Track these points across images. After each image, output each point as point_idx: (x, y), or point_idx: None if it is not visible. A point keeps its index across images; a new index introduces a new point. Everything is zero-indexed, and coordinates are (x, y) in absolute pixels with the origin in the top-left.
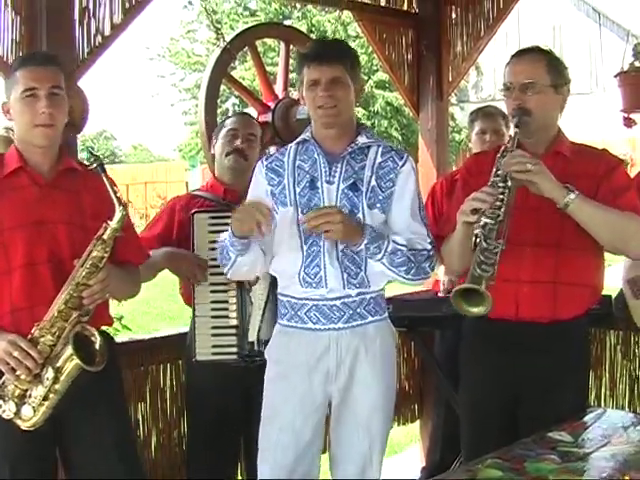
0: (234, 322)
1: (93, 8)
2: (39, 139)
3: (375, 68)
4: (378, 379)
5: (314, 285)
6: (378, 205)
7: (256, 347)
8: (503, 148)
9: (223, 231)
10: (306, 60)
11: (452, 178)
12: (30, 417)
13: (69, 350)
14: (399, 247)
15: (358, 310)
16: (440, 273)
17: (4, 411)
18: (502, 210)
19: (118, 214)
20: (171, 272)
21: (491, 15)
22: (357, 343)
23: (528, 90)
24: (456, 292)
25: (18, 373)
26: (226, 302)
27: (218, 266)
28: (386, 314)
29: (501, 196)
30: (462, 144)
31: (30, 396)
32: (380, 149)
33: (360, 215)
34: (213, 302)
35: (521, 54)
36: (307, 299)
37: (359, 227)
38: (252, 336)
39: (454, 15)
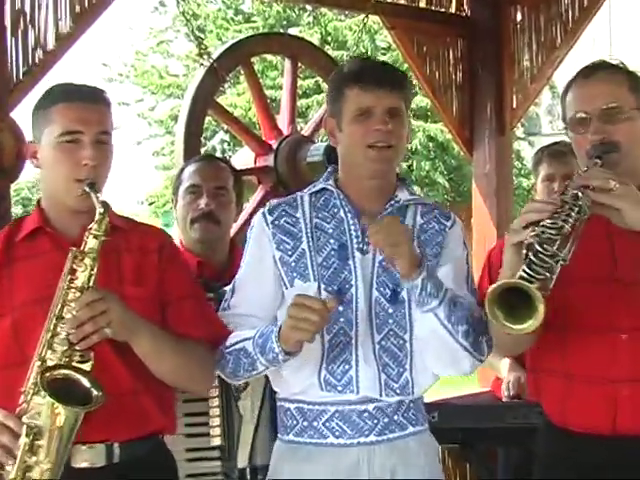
0: (217, 441)
1: (31, 12)
2: (75, 200)
3: (413, 91)
4: None
5: (339, 389)
6: None
7: (248, 476)
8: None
9: None
10: (355, 80)
11: None
12: None
13: (47, 399)
14: (460, 299)
15: (395, 418)
16: (503, 369)
17: None
18: (568, 224)
19: (98, 216)
20: None
21: (571, 16)
22: (395, 462)
23: (612, 117)
24: (493, 293)
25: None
26: (206, 414)
27: None
28: (427, 424)
29: (567, 208)
30: (533, 192)
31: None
32: (419, 208)
33: (404, 294)
34: (188, 415)
35: (591, 73)
36: (327, 403)
37: (419, 255)
38: (242, 461)
39: (519, 18)
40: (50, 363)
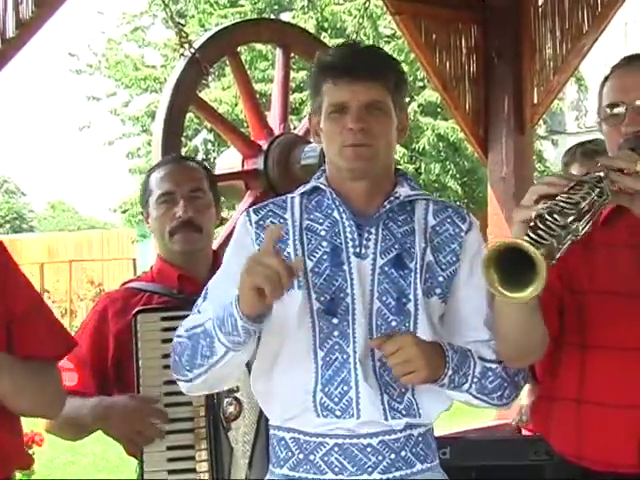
0: (205, 477)
1: None
2: None
3: (420, 84)
4: None
5: (338, 413)
6: (438, 290)
7: None
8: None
9: None
10: (328, 73)
11: None
12: None
13: None
14: (489, 365)
15: (402, 453)
16: (523, 395)
17: None
18: (585, 201)
19: None
20: (106, 435)
21: None
22: None
23: None
24: (491, 254)
25: None
26: (191, 448)
27: (177, 393)
28: (437, 460)
29: (587, 187)
30: None
31: None
32: (431, 206)
33: (411, 306)
34: (171, 449)
35: (630, 62)
36: (326, 435)
37: (437, 352)
38: None
39: (541, 1)
40: None
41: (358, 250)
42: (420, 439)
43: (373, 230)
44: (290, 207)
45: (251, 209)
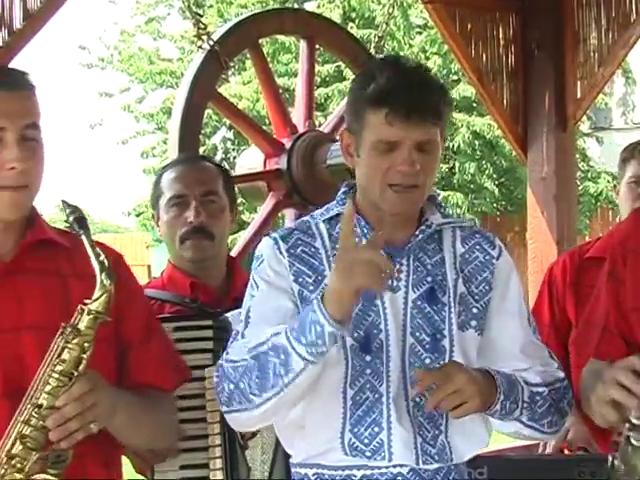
0: None
1: None
2: (4, 210)
3: (454, 78)
4: None
5: (368, 454)
6: (473, 323)
7: None
8: None
9: (194, 351)
10: (377, 105)
11: (583, 255)
12: None
13: None
14: (536, 389)
15: None
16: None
17: None
18: None
19: (100, 289)
20: None
21: None
22: None
23: None
24: None
25: None
26: (206, 467)
27: (190, 408)
28: None
29: None
30: (602, 199)
31: None
32: (458, 232)
33: (446, 342)
34: (184, 468)
35: None
36: (353, 467)
37: (485, 377)
38: None
39: None
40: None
41: (390, 283)
42: (452, 468)
43: (404, 261)
44: (318, 235)
45: (277, 236)
